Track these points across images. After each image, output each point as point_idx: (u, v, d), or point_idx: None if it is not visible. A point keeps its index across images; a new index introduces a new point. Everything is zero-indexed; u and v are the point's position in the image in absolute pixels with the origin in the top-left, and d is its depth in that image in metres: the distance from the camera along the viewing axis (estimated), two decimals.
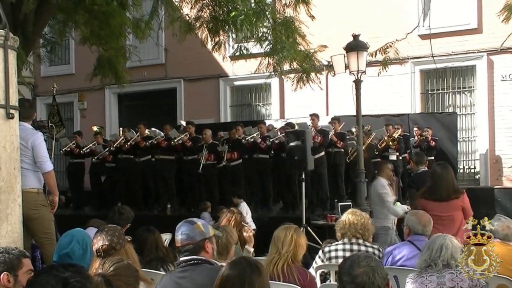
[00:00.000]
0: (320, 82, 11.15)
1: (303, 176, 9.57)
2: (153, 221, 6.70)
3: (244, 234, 5.12)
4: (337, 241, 4.86)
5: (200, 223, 3.47)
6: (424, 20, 13.51)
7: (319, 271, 4.78)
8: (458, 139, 14.04)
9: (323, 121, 12.01)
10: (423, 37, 13.97)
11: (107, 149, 12.44)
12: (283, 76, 11.17)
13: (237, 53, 10.65)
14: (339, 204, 10.10)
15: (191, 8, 9.96)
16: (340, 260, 3.88)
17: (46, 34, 10.89)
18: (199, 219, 3.58)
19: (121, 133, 13.19)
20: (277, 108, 16.16)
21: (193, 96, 17.15)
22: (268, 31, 9.58)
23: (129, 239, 3.85)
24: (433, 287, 3.50)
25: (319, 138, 10.61)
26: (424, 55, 14.07)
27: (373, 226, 4.94)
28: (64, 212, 11.80)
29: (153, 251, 4.68)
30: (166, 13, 10.35)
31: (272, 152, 11.11)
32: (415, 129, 13.18)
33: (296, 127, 11.13)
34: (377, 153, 12.17)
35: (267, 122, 13.53)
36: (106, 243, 3.57)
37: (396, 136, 12.07)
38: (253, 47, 10.33)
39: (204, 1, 9.67)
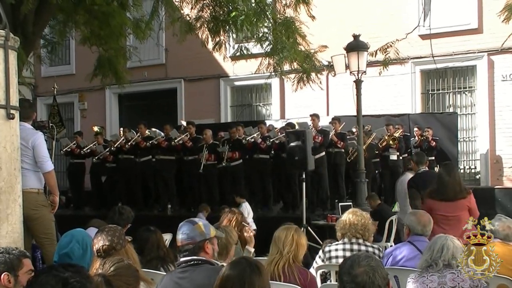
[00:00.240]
0: (320, 82, 11.15)
1: (304, 176, 9.57)
2: (153, 221, 6.69)
3: (245, 234, 5.12)
4: (337, 241, 4.86)
5: (201, 223, 3.46)
6: (424, 20, 13.51)
7: (320, 271, 4.78)
8: (458, 139, 14.04)
9: (324, 121, 12.02)
10: (423, 37, 13.97)
11: (107, 149, 12.45)
12: (283, 76, 11.17)
13: (238, 53, 10.66)
14: (340, 204, 10.12)
15: (192, 8, 9.96)
16: (340, 260, 3.88)
17: (47, 35, 10.90)
18: (200, 219, 3.58)
19: (121, 133, 13.19)
20: (278, 108, 16.16)
21: (193, 96, 17.15)
22: (269, 31, 9.58)
23: (129, 239, 3.85)
24: (434, 286, 3.50)
25: (320, 138, 10.61)
26: (425, 55, 14.07)
27: (373, 226, 4.94)
28: (64, 212, 11.81)
29: (154, 250, 4.68)
30: (166, 13, 10.35)
31: (272, 152, 11.12)
32: (415, 129, 13.18)
33: (297, 127, 11.13)
34: (377, 152, 12.17)
35: (268, 122, 13.54)
36: (107, 243, 3.57)
37: (396, 136, 12.06)
38: (254, 47, 10.33)
39: (204, 1, 9.67)
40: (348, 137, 11.66)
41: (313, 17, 9.84)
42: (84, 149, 12.78)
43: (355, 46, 10.39)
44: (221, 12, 9.48)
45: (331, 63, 11.65)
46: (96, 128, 14.85)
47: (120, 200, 11.80)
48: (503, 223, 4.61)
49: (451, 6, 13.98)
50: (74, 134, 13.88)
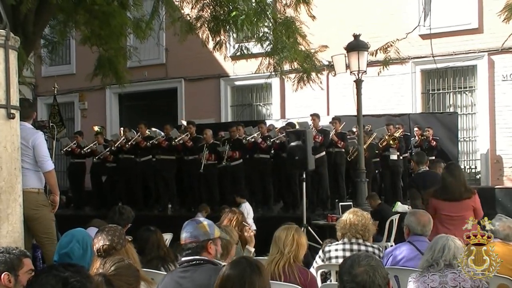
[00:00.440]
0: (321, 82, 11.14)
1: (304, 176, 9.57)
2: (154, 221, 6.70)
3: (245, 234, 5.12)
4: (337, 241, 4.86)
5: (206, 223, 3.47)
6: (424, 20, 13.51)
7: (320, 271, 4.78)
8: (459, 139, 14.04)
9: (324, 121, 12.02)
10: (423, 37, 13.97)
11: (108, 149, 12.45)
12: (283, 76, 11.17)
13: (238, 53, 10.66)
14: (340, 204, 10.12)
15: (192, 8, 9.96)
16: (340, 260, 3.88)
17: (47, 35, 10.91)
18: (206, 219, 3.58)
19: (121, 133, 13.20)
20: (278, 108, 16.16)
21: (193, 96, 17.16)
22: (269, 31, 9.58)
23: (129, 239, 3.85)
24: (435, 286, 3.50)
25: (320, 138, 10.61)
26: (425, 55, 14.07)
27: (374, 227, 4.94)
28: (64, 212, 11.82)
29: (154, 250, 4.69)
30: (166, 13, 10.35)
31: (272, 151, 11.12)
32: (415, 129, 13.17)
33: (297, 127, 11.13)
34: (377, 152, 12.17)
35: (268, 122, 13.55)
36: (107, 243, 3.57)
37: (397, 136, 12.06)
38: (254, 47, 10.33)
39: (204, 1, 9.67)
40: (348, 137, 11.65)
41: (313, 17, 9.84)
42: (84, 149, 12.78)
43: (356, 45, 10.39)
44: (222, 11, 9.48)
45: (332, 63, 11.64)
46: (96, 128, 14.85)
47: (120, 200, 11.80)
48: (504, 223, 4.60)
49: (452, 6, 13.98)
50: (75, 134, 13.88)
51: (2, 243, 3.85)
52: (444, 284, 3.47)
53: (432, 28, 13.47)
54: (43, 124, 13.30)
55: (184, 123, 13.82)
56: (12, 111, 4.09)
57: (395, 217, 8.89)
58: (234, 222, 5.22)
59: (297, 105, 15.28)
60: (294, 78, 10.83)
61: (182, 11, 10.20)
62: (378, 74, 12.21)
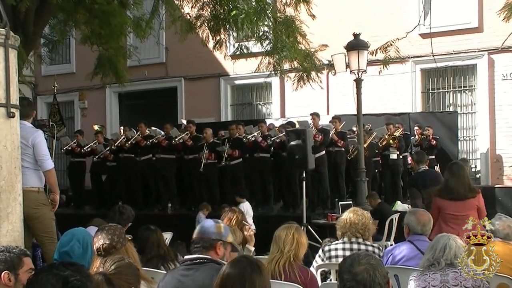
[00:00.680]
0: (320, 81, 11.14)
1: (304, 175, 9.57)
2: (154, 220, 6.71)
3: (245, 233, 5.13)
4: (337, 240, 4.86)
5: (222, 224, 3.50)
6: (424, 19, 13.50)
7: (320, 270, 4.79)
8: (458, 138, 14.03)
9: (324, 120, 12.02)
10: (423, 36, 13.96)
11: (108, 148, 12.45)
12: (283, 75, 11.17)
13: (238, 52, 10.65)
14: (340, 203, 10.12)
15: (192, 7, 9.95)
16: (340, 259, 3.87)
17: (48, 34, 10.90)
18: (223, 222, 3.61)
19: (121, 132, 13.19)
20: (278, 107, 16.16)
21: (193, 95, 17.16)
22: (269, 30, 9.58)
23: (129, 238, 3.85)
24: (436, 284, 3.49)
25: (320, 137, 10.61)
26: (425, 54, 14.06)
27: (373, 226, 4.94)
28: (64, 211, 11.82)
29: (154, 249, 4.70)
30: (166, 12, 10.34)
31: (272, 149, 11.12)
32: (415, 128, 13.17)
33: (297, 126, 11.14)
34: (377, 151, 12.17)
35: (268, 121, 13.54)
36: (107, 242, 3.57)
37: (397, 135, 12.06)
38: (254, 46, 10.33)
39: (204, 0, 9.67)
40: (348, 136, 11.65)
41: (313, 16, 9.85)
42: (84, 148, 12.78)
43: (356, 45, 10.39)
44: (222, 10, 9.47)
45: (332, 62, 11.65)
46: (96, 127, 14.85)
47: (120, 199, 11.79)
48: (504, 222, 4.61)
49: (452, 5, 13.98)
50: (75, 133, 13.88)
51: (2, 242, 3.85)
52: (445, 283, 3.47)
53: (432, 27, 13.47)
54: (43, 123, 13.34)
55: (184, 122, 13.83)
56: (12, 110, 4.09)
57: (395, 216, 8.89)
58: (234, 221, 5.23)
59: (297, 104, 15.27)
60: (294, 77, 10.83)
61: (182, 10, 10.20)
62: (379, 73, 12.21)
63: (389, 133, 12.15)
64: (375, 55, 11.38)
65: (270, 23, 9.50)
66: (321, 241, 7.84)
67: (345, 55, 10.69)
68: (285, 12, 9.79)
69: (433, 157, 12.39)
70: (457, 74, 14.60)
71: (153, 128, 12.37)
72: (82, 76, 12.30)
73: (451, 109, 14.63)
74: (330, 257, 4.72)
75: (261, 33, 9.55)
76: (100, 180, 13.07)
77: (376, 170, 12.53)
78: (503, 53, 13.66)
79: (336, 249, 4.72)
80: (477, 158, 14.40)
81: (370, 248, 4.65)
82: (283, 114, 15.83)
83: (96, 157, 12.76)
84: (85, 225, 5.41)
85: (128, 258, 3.36)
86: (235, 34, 10.58)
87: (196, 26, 9.90)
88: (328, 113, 14.57)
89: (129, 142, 11.96)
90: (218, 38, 10.05)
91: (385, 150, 12.21)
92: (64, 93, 17.18)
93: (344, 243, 4.72)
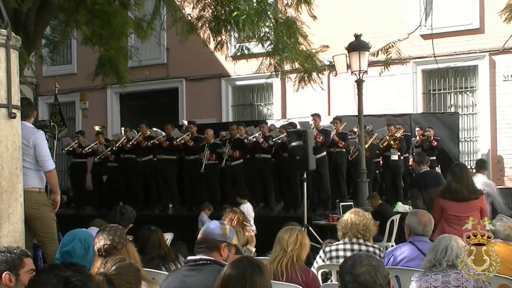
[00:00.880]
0: (321, 82, 11.13)
1: (305, 175, 9.57)
2: (155, 221, 6.71)
3: (246, 233, 5.13)
4: (338, 240, 4.86)
5: (228, 226, 3.51)
6: (426, 20, 13.48)
7: (320, 271, 4.79)
8: (460, 139, 14.03)
9: (325, 121, 12.03)
10: (425, 37, 13.94)
11: (109, 148, 12.46)
12: (284, 76, 11.17)
13: (239, 53, 10.65)
14: (341, 204, 10.12)
15: (193, 7, 9.96)
16: (341, 260, 3.88)
17: (49, 35, 10.91)
18: (228, 225, 3.61)
19: (123, 132, 13.20)
20: (279, 108, 16.17)
21: (194, 96, 17.17)
22: (270, 31, 9.58)
23: (130, 239, 3.86)
24: (437, 285, 3.49)
25: (321, 138, 10.61)
26: (426, 55, 14.05)
27: (374, 227, 4.94)
28: (65, 211, 11.83)
29: (155, 249, 4.70)
30: (168, 13, 10.35)
31: (273, 150, 11.12)
32: (417, 129, 13.17)
33: (298, 126, 11.14)
34: (378, 152, 12.18)
35: (269, 122, 13.55)
36: (108, 243, 3.58)
37: (398, 136, 12.06)
38: (255, 47, 10.33)
39: (206, 1, 9.67)
40: (349, 137, 11.66)
41: (314, 17, 9.84)
42: (85, 149, 12.79)
43: (357, 46, 10.39)
44: (223, 11, 9.48)
45: (333, 63, 11.65)
46: (97, 128, 14.87)
47: (121, 200, 11.81)
48: (505, 223, 4.60)
49: (453, 6, 13.98)
50: (76, 134, 13.89)
51: (3, 243, 3.86)
52: (447, 283, 3.47)
53: (433, 28, 13.43)
54: (44, 123, 13.35)
55: (185, 123, 13.84)
56: (14, 110, 4.10)
57: (396, 217, 8.89)
58: (235, 222, 5.23)
59: (298, 105, 15.28)
60: (295, 78, 10.83)
61: (183, 11, 10.21)
62: (380, 74, 12.20)
63: (390, 134, 12.15)
64: (377, 56, 11.37)
65: (271, 24, 9.50)
66: (321, 241, 7.84)
67: (346, 56, 10.68)
68: (286, 13, 9.79)
69: (434, 158, 12.39)
70: (458, 75, 14.60)
71: (154, 129, 12.38)
72: (83, 76, 12.31)
73: (452, 110, 14.63)
74: (331, 258, 4.72)
75: (262, 34, 9.55)
76: (101, 180, 13.08)
77: (377, 171, 12.54)
78: (504, 54, 13.66)
79: (337, 250, 4.72)
80: (478, 159, 14.37)
81: (371, 249, 4.65)
82: (284, 115, 15.83)
83: (97, 157, 12.76)
84: (86, 225, 5.42)
85: (129, 259, 3.36)
86: (236, 35, 10.58)
87: (197, 27, 9.91)
88: (329, 114, 14.57)
89: (130, 143, 11.96)
90: (219, 39, 10.05)
91: (386, 151, 12.21)
92: (65, 93, 17.19)
93: (345, 243, 4.73)
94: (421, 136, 12.89)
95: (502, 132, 13.83)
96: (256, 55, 10.66)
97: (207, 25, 9.83)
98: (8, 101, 4.05)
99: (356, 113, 10.84)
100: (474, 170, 8.08)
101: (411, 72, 14.63)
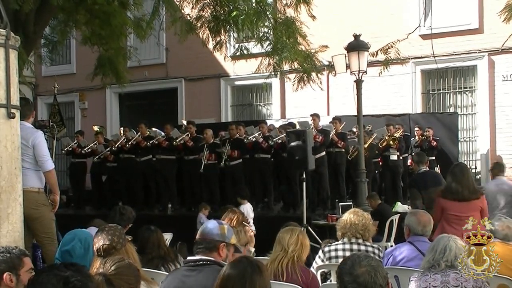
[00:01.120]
0: (321, 82, 11.13)
1: (304, 175, 9.57)
2: (154, 221, 6.72)
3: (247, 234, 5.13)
4: (337, 240, 4.87)
5: (226, 226, 3.50)
6: (425, 20, 13.50)
7: (320, 271, 4.79)
8: (459, 139, 14.04)
9: (324, 121, 12.03)
10: (424, 37, 13.96)
11: (108, 148, 12.46)
12: (283, 76, 11.17)
13: (238, 53, 10.65)
14: (340, 204, 10.12)
15: (192, 8, 9.95)
16: (340, 260, 3.89)
17: (48, 35, 10.91)
18: (227, 224, 3.60)
19: (122, 132, 13.20)
20: (278, 108, 16.17)
21: (194, 96, 17.17)
22: (269, 31, 9.58)
23: (129, 239, 3.86)
24: (437, 285, 3.49)
25: (320, 138, 10.61)
26: (425, 55, 14.08)
27: (374, 227, 4.94)
28: (65, 211, 11.83)
29: (154, 249, 4.71)
30: (167, 13, 10.34)
31: (273, 150, 11.12)
32: (416, 129, 13.17)
33: (298, 126, 11.14)
34: (377, 152, 12.18)
35: (268, 122, 13.54)
36: (107, 243, 3.58)
37: (397, 136, 12.07)
38: (254, 47, 10.33)
39: (205, 1, 9.67)
40: (348, 137, 11.66)
41: (313, 17, 9.84)
42: (85, 149, 12.79)
43: (356, 46, 10.39)
44: (222, 11, 9.47)
45: (332, 63, 11.64)
46: (96, 128, 14.87)
47: (120, 200, 11.81)
48: (503, 223, 4.61)
49: (452, 6, 13.99)
50: (75, 134, 13.89)
51: (2, 243, 3.85)
52: (446, 283, 3.47)
53: (432, 28, 13.47)
54: (43, 123, 13.35)
55: (185, 123, 13.84)
56: (13, 110, 4.09)
57: (395, 217, 8.90)
58: (235, 222, 5.24)
59: (297, 105, 15.29)
60: (294, 78, 10.83)
61: (183, 11, 10.20)
62: (379, 74, 12.21)
63: (389, 134, 12.15)
64: (376, 56, 11.38)
65: (270, 24, 9.50)
66: (321, 241, 7.85)
67: (345, 56, 10.69)
68: (285, 13, 9.79)
69: (433, 158, 12.40)
70: (458, 75, 14.61)
71: (154, 129, 12.37)
72: (82, 76, 12.30)
73: (452, 110, 14.64)
74: (330, 258, 4.73)
75: (261, 34, 9.54)
76: (101, 180, 13.08)
77: (376, 171, 12.53)
78: (504, 54, 13.67)
79: (336, 250, 4.73)
80: (477, 159, 14.39)
81: (370, 249, 4.66)
82: (283, 115, 15.84)
83: (97, 157, 12.76)
84: (86, 225, 5.42)
85: (128, 259, 3.36)
86: (235, 35, 10.58)
87: (196, 27, 9.90)
88: (328, 114, 14.58)
89: (130, 143, 11.96)
90: (218, 39, 10.05)
91: (385, 151, 12.21)
92: (65, 93, 17.17)
93: (344, 243, 4.73)
94: (420, 136, 12.89)
95: (501, 132, 13.84)
96: (255, 55, 10.66)
97: (206, 25, 9.83)
98: (7, 101, 4.05)
99: (355, 113, 10.85)
100: (490, 174, 7.98)
101: (410, 72, 14.64)
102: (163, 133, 11.97)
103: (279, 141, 10.89)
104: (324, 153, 10.86)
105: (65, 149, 13.15)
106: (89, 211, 12.65)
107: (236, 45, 10.99)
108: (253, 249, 5.07)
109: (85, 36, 9.61)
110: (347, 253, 4.53)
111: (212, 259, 3.31)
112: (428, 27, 13.49)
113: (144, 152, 11.94)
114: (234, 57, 12.07)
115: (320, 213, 10.53)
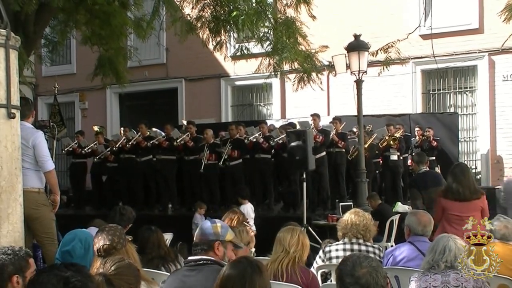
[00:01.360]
0: (321, 82, 11.13)
1: (304, 176, 9.57)
2: (154, 221, 6.73)
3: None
4: (337, 241, 4.86)
5: (219, 224, 3.50)
6: (425, 20, 13.50)
7: (320, 271, 4.79)
8: (459, 139, 14.03)
9: (324, 121, 12.03)
10: (424, 37, 13.96)
11: (108, 149, 12.46)
12: (283, 76, 11.17)
13: (238, 53, 10.65)
14: (340, 204, 10.13)
15: (192, 8, 9.95)
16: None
17: (48, 35, 10.91)
18: (221, 221, 3.60)
19: (122, 133, 13.21)
20: (278, 108, 16.17)
21: (194, 96, 17.17)
22: (269, 31, 9.57)
23: (129, 239, 3.86)
24: (437, 285, 3.49)
25: (320, 138, 10.62)
26: (426, 55, 14.07)
27: (374, 228, 4.94)
28: (65, 212, 11.83)
29: (155, 249, 4.71)
30: (167, 13, 10.34)
31: (273, 151, 11.12)
32: (416, 129, 13.17)
33: (298, 126, 11.14)
34: (378, 152, 12.18)
35: (268, 122, 13.55)
36: (107, 243, 3.58)
37: (397, 136, 12.07)
38: (254, 47, 10.33)
39: (205, 1, 9.66)
40: (349, 137, 11.66)
41: (313, 17, 9.83)
42: (85, 149, 12.79)
43: (356, 46, 10.40)
44: (222, 12, 9.46)
45: (332, 63, 11.64)
46: (96, 128, 14.87)
47: (120, 200, 11.82)
48: (501, 222, 4.61)
49: (452, 6, 13.98)
50: (76, 134, 13.89)
51: (3, 243, 3.85)
52: (446, 283, 3.47)
53: (432, 28, 13.46)
54: (43, 123, 13.35)
55: (185, 123, 13.84)
56: (13, 110, 4.09)
57: (396, 217, 8.90)
58: (235, 222, 5.23)
59: (298, 105, 15.28)
60: (295, 78, 10.83)
61: (183, 11, 10.20)
62: (379, 74, 12.21)
63: (389, 134, 12.15)
64: (376, 56, 11.38)
65: (271, 24, 9.49)
66: (321, 242, 7.85)
67: (345, 56, 10.69)
68: (285, 13, 9.78)
69: (434, 158, 12.39)
70: (458, 75, 14.60)
71: (154, 129, 12.38)
72: (82, 77, 12.30)
73: (452, 110, 14.63)
74: (330, 258, 4.72)
75: (261, 34, 9.54)
76: (101, 180, 13.08)
77: (377, 171, 12.54)
78: (504, 54, 13.66)
79: (336, 250, 4.72)
80: (477, 159, 14.39)
81: (370, 249, 4.66)
82: (283, 115, 15.84)
83: (97, 158, 12.76)
84: (86, 226, 5.42)
85: (128, 259, 3.37)
86: (235, 35, 10.58)
87: (196, 27, 9.90)
88: (328, 114, 14.58)
89: (130, 143, 11.97)
90: (218, 39, 10.04)
91: (385, 151, 12.21)
92: (65, 94, 17.18)
93: (344, 243, 4.73)
94: (420, 136, 12.89)
95: (501, 132, 13.83)
96: (255, 55, 10.66)
97: (206, 25, 9.82)
98: (7, 101, 4.05)
99: (356, 113, 10.85)
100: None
101: (410, 72, 14.63)
102: (163, 133, 11.98)
103: (280, 141, 10.89)
104: (324, 153, 10.86)
105: (66, 149, 13.16)
106: (89, 211, 12.66)
107: (236, 45, 10.99)
108: (253, 249, 5.06)
109: (85, 36, 9.61)
110: (348, 253, 4.52)
111: (212, 258, 3.33)
112: (428, 27, 13.48)
113: (144, 152, 11.95)
114: (234, 57, 12.06)
115: (320, 213, 10.54)
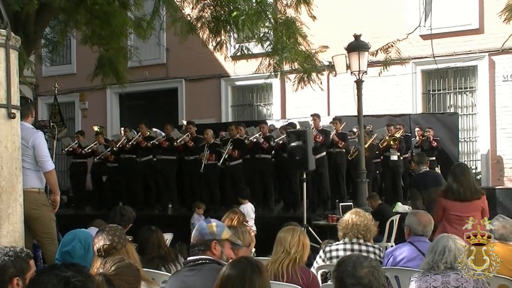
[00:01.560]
0: (321, 82, 11.13)
1: (304, 176, 9.57)
2: (154, 221, 6.73)
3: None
4: (337, 241, 4.86)
5: (214, 223, 3.50)
6: (425, 20, 13.50)
7: (320, 271, 4.79)
8: (459, 139, 14.03)
9: (325, 121, 12.04)
10: (424, 37, 13.95)
11: (108, 149, 12.47)
12: (284, 76, 11.17)
13: (238, 53, 10.65)
14: (340, 204, 10.14)
15: (193, 8, 9.96)
16: None
17: (48, 34, 10.91)
18: (216, 220, 3.60)
19: (122, 133, 13.21)
20: (278, 108, 16.16)
21: (194, 96, 17.16)
22: (269, 31, 9.58)
23: (130, 239, 3.86)
24: (437, 285, 3.49)
25: (321, 138, 10.62)
26: (426, 56, 14.06)
27: (375, 228, 4.94)
28: (65, 212, 11.84)
29: (155, 249, 4.71)
30: (167, 13, 10.34)
31: (273, 151, 11.12)
32: (416, 129, 13.18)
33: (298, 126, 11.15)
34: (378, 152, 12.18)
35: (269, 122, 13.55)
36: (107, 243, 3.58)
37: (397, 136, 12.07)
38: (255, 47, 10.33)
39: (205, 1, 9.67)
40: (349, 137, 11.67)
41: (314, 17, 9.84)
42: (85, 149, 12.80)
43: (356, 46, 10.40)
44: (222, 12, 9.47)
45: (332, 63, 11.65)
46: (96, 128, 14.86)
47: (121, 200, 11.83)
48: (500, 222, 4.61)
49: (452, 6, 13.98)
50: (76, 134, 13.90)
51: (3, 243, 3.85)
52: (447, 284, 3.47)
53: (432, 28, 13.46)
54: (43, 124, 13.36)
55: (185, 123, 13.85)
56: (13, 110, 4.09)
57: (396, 218, 8.90)
58: (236, 222, 5.23)
59: (298, 105, 15.28)
60: (295, 78, 10.83)
61: (183, 11, 10.20)
62: (379, 74, 12.21)
63: (389, 134, 12.16)
64: (376, 56, 11.39)
65: (271, 24, 9.50)
66: (321, 242, 7.85)
67: (345, 56, 10.69)
68: (285, 13, 9.79)
69: (434, 158, 12.40)
70: (458, 75, 14.60)
71: (154, 129, 12.38)
72: (82, 77, 12.30)
73: (452, 110, 14.63)
74: (331, 258, 4.72)
75: (261, 34, 9.55)
76: (101, 181, 13.09)
77: (377, 171, 12.54)
78: (504, 54, 13.66)
79: (337, 250, 4.72)
80: (477, 160, 14.39)
81: (371, 249, 4.66)
82: (283, 115, 15.83)
83: (97, 158, 12.77)
84: (86, 226, 5.42)
85: (129, 259, 3.37)
86: (235, 35, 10.58)
87: (196, 27, 9.90)
88: (328, 114, 14.58)
89: (130, 143, 11.97)
90: (218, 39, 10.05)
91: (385, 151, 12.22)
92: (65, 94, 17.19)
93: (345, 243, 4.73)
94: (420, 137, 12.89)
95: (501, 132, 13.83)
96: (255, 55, 10.66)
97: (206, 26, 9.83)
98: (7, 101, 4.04)
99: (356, 113, 10.85)
100: None
101: (410, 72, 14.63)
102: (163, 134, 11.98)
103: (280, 141, 10.89)
104: (324, 153, 10.86)
105: (66, 149, 13.17)
106: (90, 211, 12.66)
107: (237, 45, 10.99)
108: (253, 250, 5.05)
109: (85, 36, 9.61)
110: (348, 253, 4.53)
111: (212, 257, 3.33)
112: (428, 27, 13.47)
113: (144, 153, 11.95)
114: (235, 57, 12.06)
115: (321, 214, 10.54)
